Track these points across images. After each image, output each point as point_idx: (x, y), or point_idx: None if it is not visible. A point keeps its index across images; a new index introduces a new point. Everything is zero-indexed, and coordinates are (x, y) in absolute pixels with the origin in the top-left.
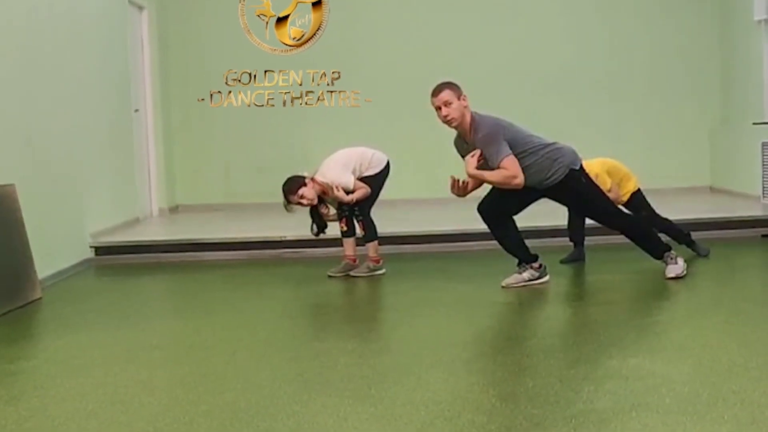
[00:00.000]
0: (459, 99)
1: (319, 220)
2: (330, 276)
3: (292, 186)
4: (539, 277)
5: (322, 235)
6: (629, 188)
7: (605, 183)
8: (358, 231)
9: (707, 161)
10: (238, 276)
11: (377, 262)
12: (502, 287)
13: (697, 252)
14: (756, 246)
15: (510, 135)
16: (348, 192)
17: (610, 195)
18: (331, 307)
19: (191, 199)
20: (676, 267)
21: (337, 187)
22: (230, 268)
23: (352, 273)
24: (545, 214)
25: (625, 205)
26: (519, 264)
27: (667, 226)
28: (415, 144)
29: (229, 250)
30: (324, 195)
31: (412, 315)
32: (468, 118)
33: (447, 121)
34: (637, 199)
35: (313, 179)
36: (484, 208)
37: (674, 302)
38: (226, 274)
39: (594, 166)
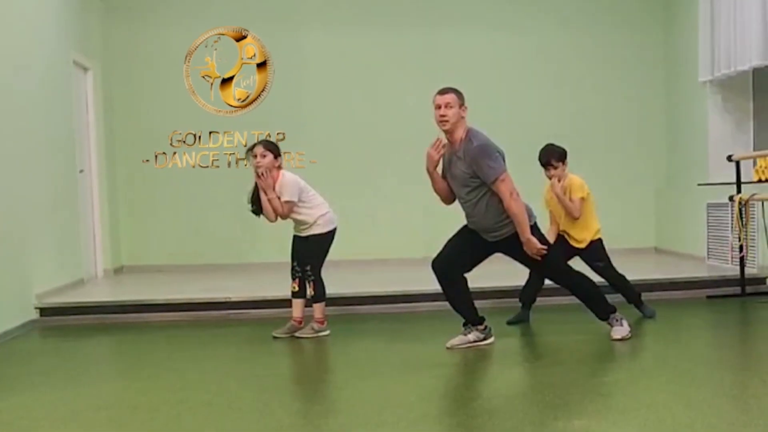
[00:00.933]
0: (460, 107)
1: (258, 206)
2: (275, 337)
3: (271, 147)
4: (484, 339)
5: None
6: (592, 232)
7: (582, 190)
8: (308, 292)
9: (653, 222)
10: (183, 337)
11: (322, 323)
12: (447, 348)
13: (643, 313)
14: (701, 307)
15: (501, 157)
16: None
17: (571, 204)
18: (276, 368)
19: (136, 260)
20: (622, 329)
21: (278, 192)
22: (175, 329)
23: (297, 334)
24: (492, 276)
25: (582, 251)
26: (465, 325)
27: (622, 282)
28: (360, 205)
29: (174, 311)
30: (266, 190)
31: (357, 376)
32: (461, 130)
33: (442, 122)
34: (596, 248)
35: (279, 168)
36: (438, 264)
37: (620, 363)
38: (171, 335)
39: (580, 181)
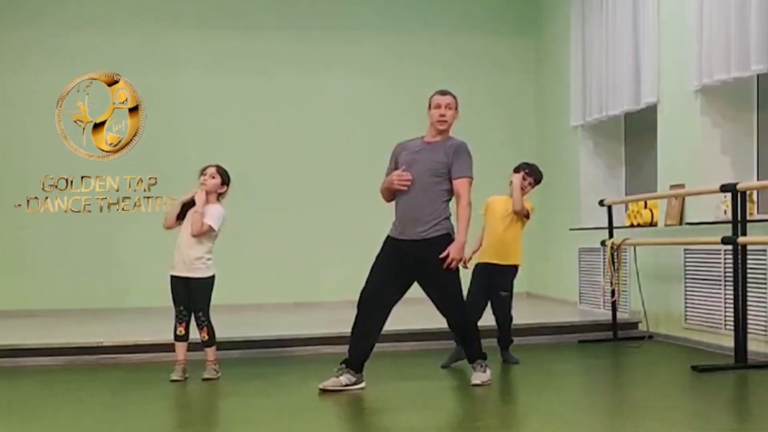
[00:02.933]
0: (455, 110)
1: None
2: (173, 380)
3: (223, 173)
4: (356, 383)
5: None
6: (517, 255)
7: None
8: (202, 336)
9: (525, 266)
10: (55, 382)
11: (215, 364)
12: (320, 389)
13: (508, 359)
14: (573, 352)
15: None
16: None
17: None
18: (149, 414)
19: (8, 305)
20: (484, 375)
21: (203, 211)
22: (47, 374)
23: (205, 375)
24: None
25: (497, 271)
26: (340, 366)
27: (508, 322)
28: (231, 249)
29: (46, 355)
30: (199, 202)
31: (231, 422)
32: (448, 133)
33: (441, 121)
34: (511, 272)
35: (219, 198)
36: (367, 294)
37: (492, 408)
38: (43, 380)
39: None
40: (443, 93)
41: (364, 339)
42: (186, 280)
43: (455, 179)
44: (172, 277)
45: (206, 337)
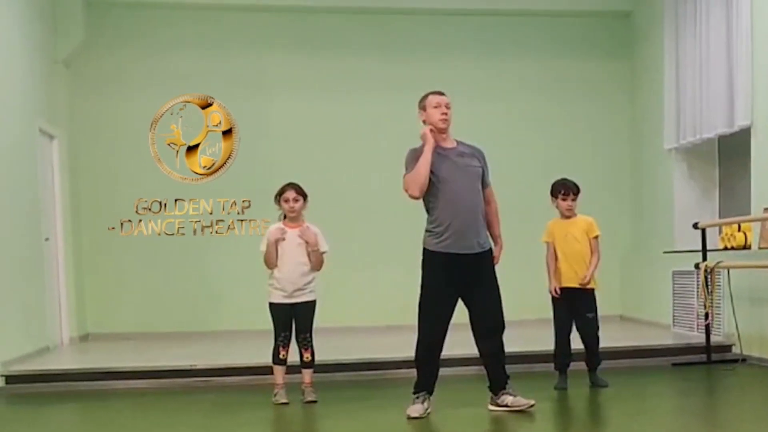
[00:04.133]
0: None
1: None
2: (283, 403)
3: (302, 191)
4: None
5: None
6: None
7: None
8: (305, 357)
9: (618, 289)
10: (148, 404)
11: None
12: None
13: (596, 382)
14: (666, 375)
15: None
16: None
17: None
18: None
19: (102, 328)
20: (522, 399)
21: (316, 236)
22: (141, 397)
23: (308, 399)
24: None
25: (583, 294)
26: (420, 394)
27: (597, 342)
28: (330, 271)
29: (139, 378)
30: (308, 241)
31: None
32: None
33: (444, 120)
34: (594, 295)
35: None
36: (438, 331)
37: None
38: (137, 402)
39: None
40: (440, 93)
41: (436, 363)
42: (292, 305)
43: (487, 187)
44: (278, 304)
45: (310, 358)
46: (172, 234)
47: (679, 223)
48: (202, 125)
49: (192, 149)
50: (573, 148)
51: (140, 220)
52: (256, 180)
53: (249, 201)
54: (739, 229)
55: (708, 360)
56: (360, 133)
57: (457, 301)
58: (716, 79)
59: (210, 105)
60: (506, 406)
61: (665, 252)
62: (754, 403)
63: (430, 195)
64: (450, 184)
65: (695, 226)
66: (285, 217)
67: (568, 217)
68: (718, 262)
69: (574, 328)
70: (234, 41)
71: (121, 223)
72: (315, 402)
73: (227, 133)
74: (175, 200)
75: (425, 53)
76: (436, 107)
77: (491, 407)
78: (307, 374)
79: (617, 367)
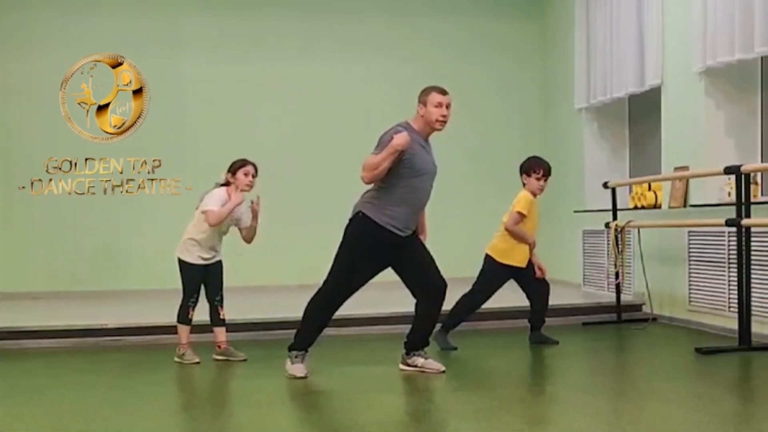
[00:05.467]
0: None
1: None
2: (196, 362)
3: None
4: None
5: None
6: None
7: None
8: (222, 315)
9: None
10: (59, 364)
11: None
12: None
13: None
14: (577, 334)
15: None
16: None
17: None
18: (152, 396)
19: (12, 287)
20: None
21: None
22: (52, 356)
23: (232, 359)
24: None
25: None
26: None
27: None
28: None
29: (50, 338)
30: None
31: (233, 405)
32: None
33: (442, 121)
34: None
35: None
36: (347, 295)
37: (493, 391)
38: (48, 362)
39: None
40: (444, 92)
41: (326, 324)
42: (206, 266)
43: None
44: (195, 265)
45: (224, 316)
46: (83, 193)
47: (589, 182)
48: (113, 85)
49: (102, 108)
50: (483, 109)
51: (50, 180)
52: (167, 140)
53: (159, 161)
54: (649, 189)
55: (618, 319)
56: (271, 93)
57: (374, 276)
58: (626, 39)
59: (120, 64)
60: (416, 366)
61: (575, 211)
62: (663, 362)
63: (396, 176)
64: (420, 178)
65: (605, 185)
66: (225, 185)
67: (534, 195)
68: (629, 222)
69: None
70: (145, 0)
71: (32, 183)
72: (246, 360)
73: (137, 92)
74: (86, 159)
75: (338, 11)
76: (437, 106)
77: (402, 366)
78: (222, 333)
79: (526, 326)
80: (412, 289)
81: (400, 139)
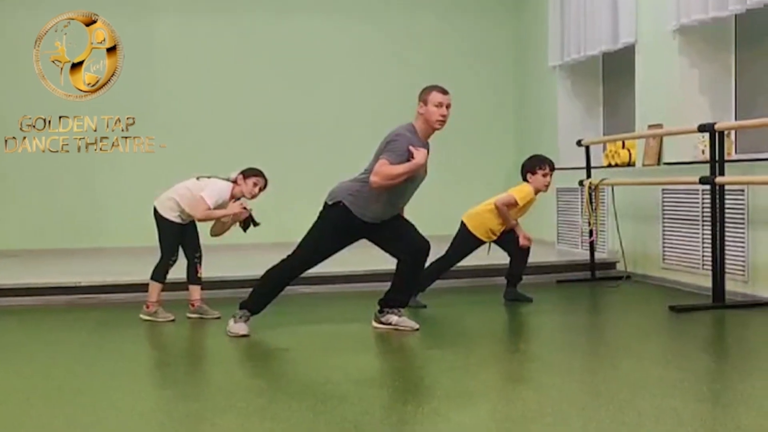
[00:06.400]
0: None
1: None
2: (171, 320)
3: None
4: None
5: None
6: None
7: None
8: (200, 273)
9: None
10: (33, 322)
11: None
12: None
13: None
14: (551, 291)
15: None
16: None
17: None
18: (126, 354)
19: None
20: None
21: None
22: (25, 314)
23: (205, 317)
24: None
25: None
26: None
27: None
28: None
29: (23, 295)
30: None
31: (207, 362)
32: None
33: (441, 121)
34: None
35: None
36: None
37: (468, 348)
38: (22, 319)
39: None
40: (445, 91)
41: (279, 293)
42: (183, 225)
43: None
44: (177, 224)
45: (202, 275)
46: (57, 151)
47: (563, 140)
48: (87, 42)
49: (76, 66)
50: (456, 66)
51: (24, 137)
52: (141, 98)
53: (133, 119)
54: (623, 147)
55: (592, 277)
56: (246, 51)
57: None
58: None
59: (94, 22)
60: (390, 324)
61: None
62: (637, 320)
63: None
64: (412, 183)
65: (579, 143)
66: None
67: (537, 192)
68: (602, 179)
69: None
70: None
71: (5, 140)
72: (220, 317)
73: (111, 50)
74: (60, 117)
75: None
76: (437, 106)
77: (375, 324)
78: (197, 291)
79: (503, 284)
80: (394, 254)
81: (422, 159)
